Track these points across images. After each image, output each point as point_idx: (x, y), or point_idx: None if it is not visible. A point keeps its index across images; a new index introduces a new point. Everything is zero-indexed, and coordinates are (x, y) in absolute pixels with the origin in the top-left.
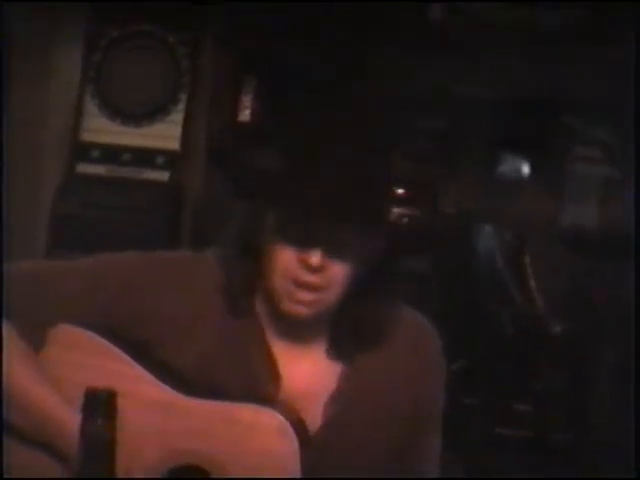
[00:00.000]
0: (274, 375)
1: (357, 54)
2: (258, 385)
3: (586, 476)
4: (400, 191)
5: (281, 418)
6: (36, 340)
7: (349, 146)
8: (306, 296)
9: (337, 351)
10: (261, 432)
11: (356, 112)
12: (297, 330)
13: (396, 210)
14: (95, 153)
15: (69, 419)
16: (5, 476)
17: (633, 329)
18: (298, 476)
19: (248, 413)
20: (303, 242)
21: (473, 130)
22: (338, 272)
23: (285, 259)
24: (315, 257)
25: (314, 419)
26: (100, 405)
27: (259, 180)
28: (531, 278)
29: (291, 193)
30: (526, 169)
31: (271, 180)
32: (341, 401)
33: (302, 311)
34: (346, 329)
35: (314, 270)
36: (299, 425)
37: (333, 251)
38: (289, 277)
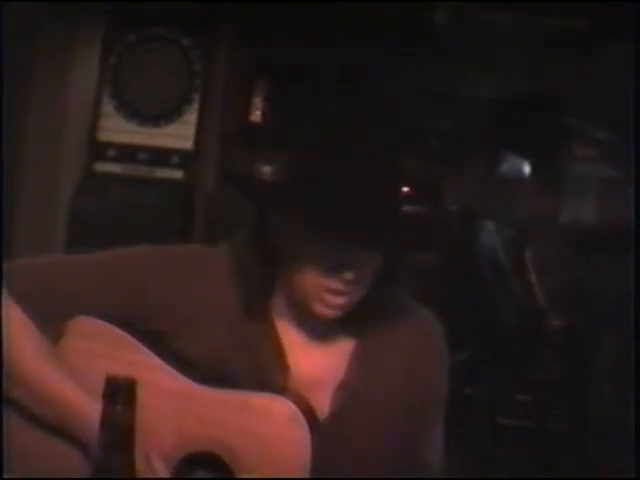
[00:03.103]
0: (283, 366)
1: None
2: (267, 376)
3: (585, 465)
4: (405, 189)
5: (293, 406)
6: (53, 332)
7: (368, 170)
8: (338, 300)
9: (345, 336)
10: (273, 420)
11: (369, 123)
12: (308, 322)
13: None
14: (112, 152)
15: (88, 408)
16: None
17: (632, 323)
18: (309, 463)
19: (260, 401)
20: (338, 263)
21: (475, 130)
22: (366, 276)
23: (318, 274)
24: (350, 274)
25: (322, 407)
26: (120, 392)
27: (270, 193)
28: (532, 273)
29: (320, 217)
30: (526, 168)
31: (292, 198)
32: (348, 389)
33: (333, 313)
34: (355, 319)
35: (349, 283)
36: (309, 413)
37: (362, 268)
38: (321, 286)
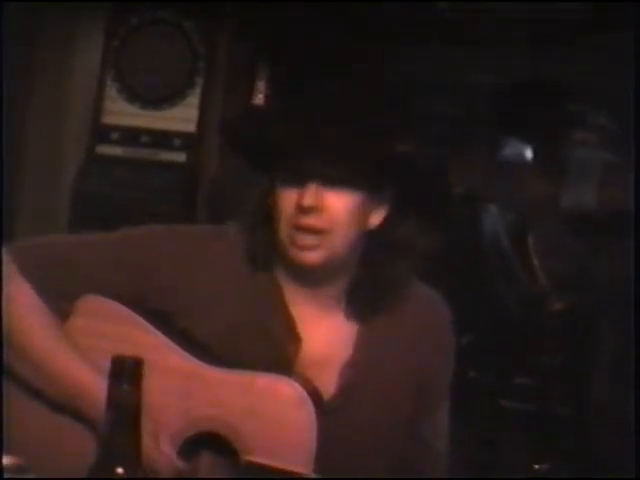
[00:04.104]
0: (294, 336)
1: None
2: (278, 348)
3: (586, 449)
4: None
5: (299, 387)
6: (62, 311)
7: (339, 89)
8: (308, 240)
9: (354, 312)
10: (279, 401)
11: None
12: (317, 295)
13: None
14: (114, 135)
15: (96, 385)
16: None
17: (632, 306)
18: (314, 445)
19: (266, 382)
20: (295, 180)
21: (477, 115)
22: (338, 212)
23: (285, 206)
24: (308, 197)
25: (329, 385)
26: (126, 371)
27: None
28: (534, 257)
29: (286, 137)
30: (528, 153)
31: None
32: (355, 368)
33: (309, 256)
34: (363, 293)
35: (309, 210)
36: (315, 395)
37: (326, 185)
38: (291, 223)
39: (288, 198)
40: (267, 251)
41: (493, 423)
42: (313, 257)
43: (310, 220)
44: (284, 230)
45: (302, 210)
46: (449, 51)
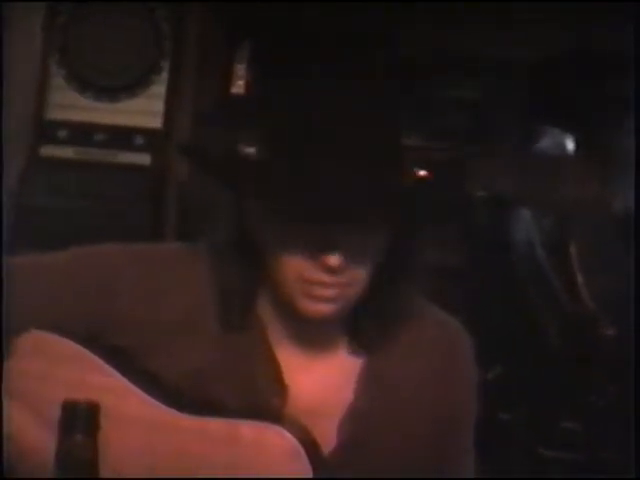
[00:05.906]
0: (280, 386)
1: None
2: (261, 398)
3: None
4: (423, 172)
5: (291, 438)
6: (2, 349)
7: (354, 136)
8: (327, 292)
9: (351, 352)
10: (267, 454)
11: (363, 93)
12: (308, 334)
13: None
14: (62, 133)
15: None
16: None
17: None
18: None
19: (251, 432)
20: (319, 247)
21: (508, 100)
22: (360, 271)
23: (298, 263)
24: (334, 258)
25: (327, 438)
26: (80, 419)
27: (245, 171)
28: (578, 272)
29: (295, 194)
30: (570, 145)
31: (264, 175)
32: (358, 416)
33: (323, 309)
34: (362, 330)
35: (334, 272)
36: (312, 446)
37: (352, 253)
38: (304, 279)
39: (301, 255)
40: (247, 286)
41: (531, 475)
42: (326, 309)
43: (333, 279)
44: (294, 285)
45: (326, 270)
46: (477, 27)
